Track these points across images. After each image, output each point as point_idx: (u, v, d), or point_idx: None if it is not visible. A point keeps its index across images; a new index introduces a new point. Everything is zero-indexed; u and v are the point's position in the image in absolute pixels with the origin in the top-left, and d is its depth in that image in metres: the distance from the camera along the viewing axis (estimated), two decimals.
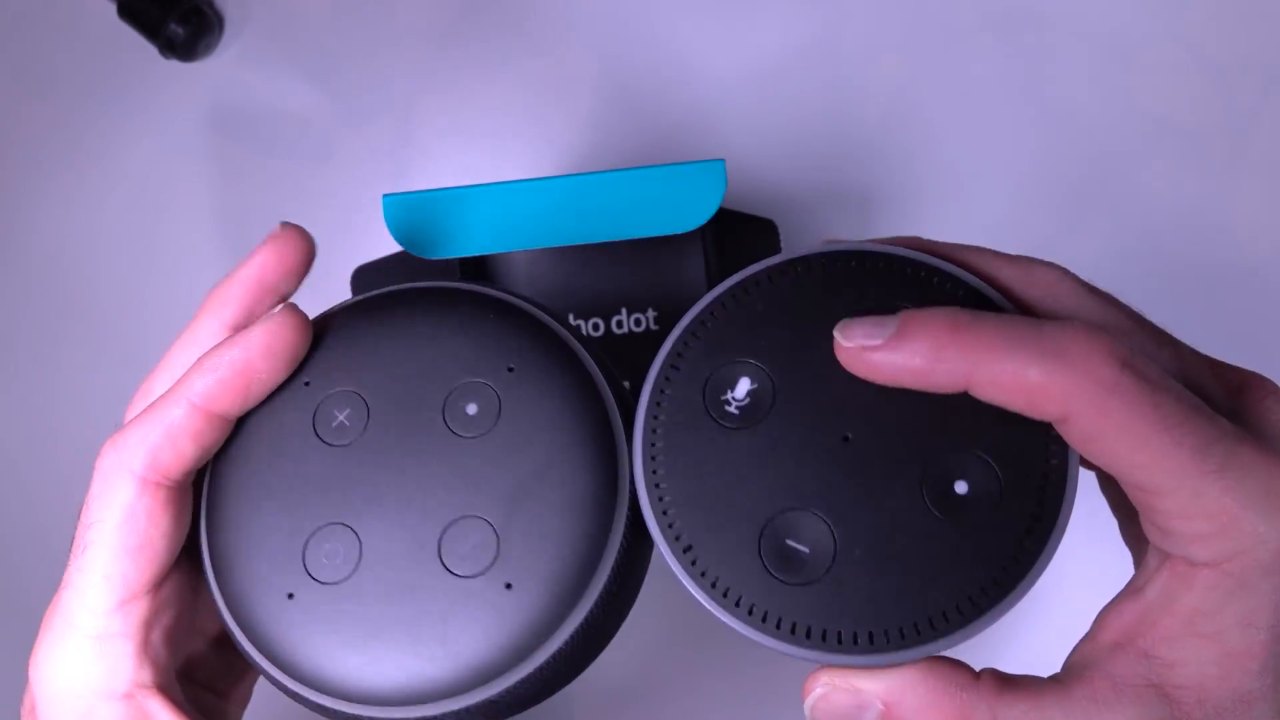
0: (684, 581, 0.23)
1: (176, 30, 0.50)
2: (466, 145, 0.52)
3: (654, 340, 0.40)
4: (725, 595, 0.23)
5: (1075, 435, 0.21)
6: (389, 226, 0.35)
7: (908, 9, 0.51)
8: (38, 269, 0.53)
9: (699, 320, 0.24)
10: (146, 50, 0.52)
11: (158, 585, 0.25)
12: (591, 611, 0.22)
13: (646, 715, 0.50)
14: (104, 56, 0.53)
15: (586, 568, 0.22)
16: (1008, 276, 0.24)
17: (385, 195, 0.35)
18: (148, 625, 0.25)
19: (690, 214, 0.36)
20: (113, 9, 0.51)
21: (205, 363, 0.24)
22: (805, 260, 0.24)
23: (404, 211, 0.35)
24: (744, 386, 0.23)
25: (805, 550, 0.22)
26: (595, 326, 0.40)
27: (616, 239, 0.35)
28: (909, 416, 0.22)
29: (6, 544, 0.52)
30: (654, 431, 0.23)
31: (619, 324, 0.40)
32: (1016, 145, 0.50)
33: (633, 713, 0.50)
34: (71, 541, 0.25)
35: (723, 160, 0.35)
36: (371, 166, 0.52)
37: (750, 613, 0.23)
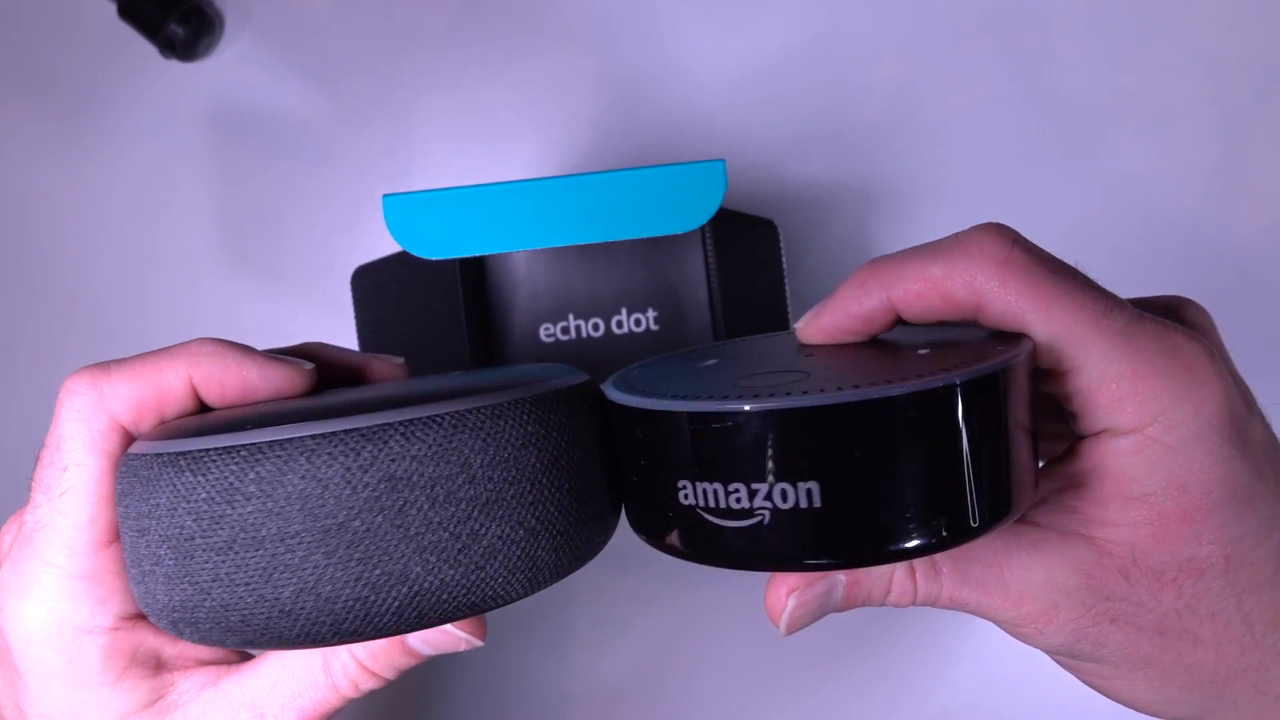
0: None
1: (176, 30, 0.50)
2: (466, 145, 0.52)
3: (654, 340, 0.40)
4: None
5: (992, 314, 0.23)
6: (389, 226, 0.35)
7: (907, 9, 0.51)
8: (38, 268, 0.53)
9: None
10: (146, 50, 0.52)
11: None
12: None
13: (646, 715, 0.50)
14: (104, 56, 0.53)
15: None
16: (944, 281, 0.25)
17: (385, 195, 0.35)
18: None
19: (690, 214, 0.36)
20: (113, 9, 0.51)
21: (221, 355, 0.25)
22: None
23: (404, 211, 0.35)
24: (710, 362, 0.25)
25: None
26: (595, 326, 0.40)
27: (616, 239, 0.35)
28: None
29: None
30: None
31: (619, 324, 0.40)
32: (1016, 145, 0.50)
33: (633, 712, 0.50)
34: (33, 478, 0.25)
35: (723, 160, 0.35)
36: (371, 166, 0.52)
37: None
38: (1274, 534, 0.23)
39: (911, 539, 0.20)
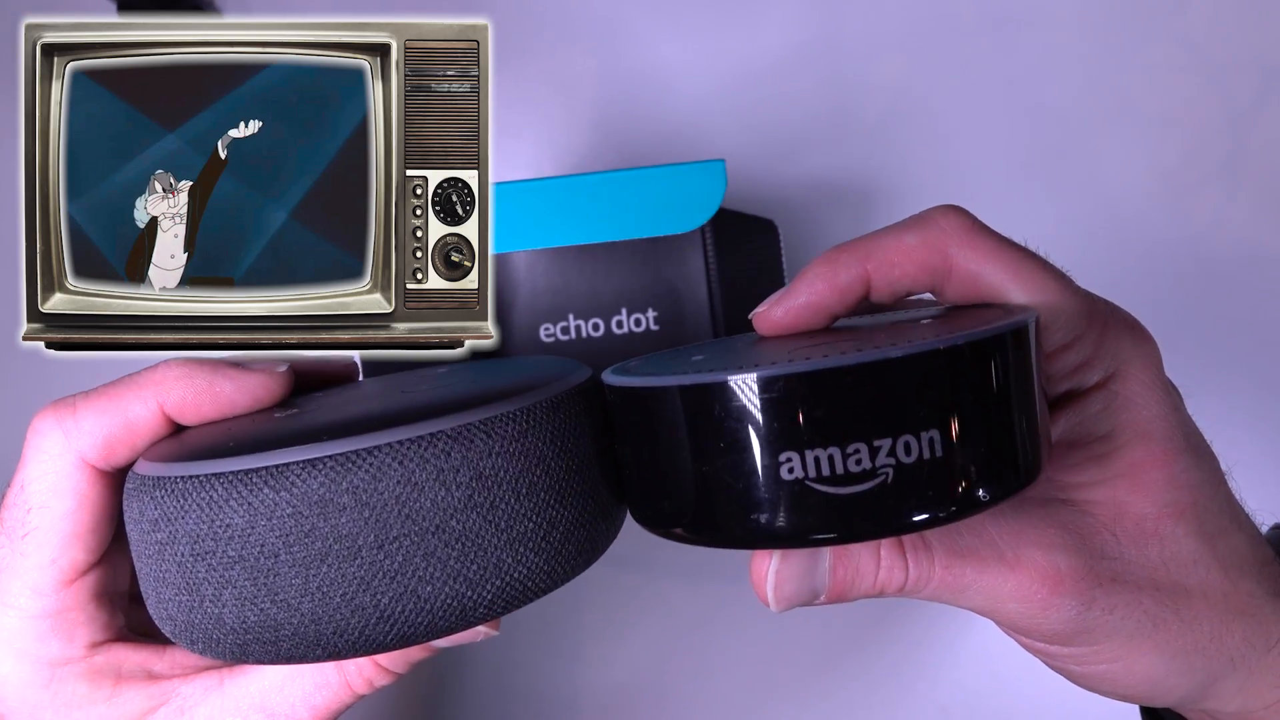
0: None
1: None
2: None
3: (654, 340, 0.40)
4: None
5: (964, 276, 0.24)
6: None
7: (907, 8, 0.51)
8: None
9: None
10: None
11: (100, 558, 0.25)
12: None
13: (651, 713, 0.50)
14: None
15: None
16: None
17: None
18: (93, 593, 0.25)
19: (690, 214, 0.36)
20: (112, 9, 0.51)
21: (190, 377, 0.24)
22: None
23: None
24: (699, 356, 0.24)
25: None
26: (595, 326, 0.40)
27: (616, 239, 0.35)
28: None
29: None
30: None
31: (619, 324, 0.40)
32: (1016, 145, 0.50)
33: (638, 710, 0.50)
34: None
35: (723, 160, 0.35)
36: None
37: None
38: (1221, 483, 0.24)
39: (1003, 482, 0.20)
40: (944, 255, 0.24)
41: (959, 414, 0.19)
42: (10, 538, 0.24)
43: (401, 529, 0.20)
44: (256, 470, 0.20)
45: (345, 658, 0.21)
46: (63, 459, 0.24)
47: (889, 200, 0.50)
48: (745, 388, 0.19)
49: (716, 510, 0.21)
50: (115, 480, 0.25)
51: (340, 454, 0.20)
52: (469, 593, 0.21)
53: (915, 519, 0.20)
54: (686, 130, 0.51)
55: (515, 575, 0.21)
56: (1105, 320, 0.24)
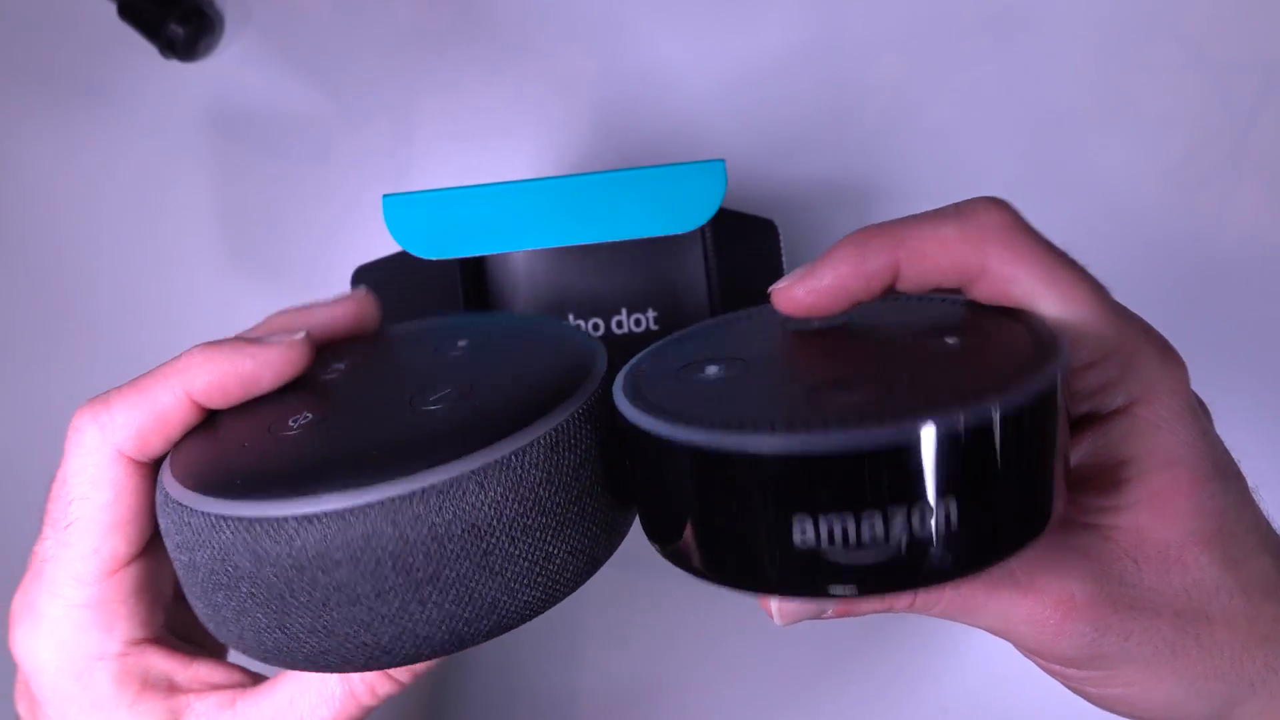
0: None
1: (176, 30, 0.50)
2: (466, 145, 0.52)
3: (654, 340, 0.40)
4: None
5: (996, 278, 0.22)
6: (389, 226, 0.35)
7: (907, 8, 0.51)
8: (37, 269, 0.53)
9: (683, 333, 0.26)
10: (146, 50, 0.52)
11: (142, 551, 0.25)
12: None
13: (651, 713, 0.50)
14: (104, 56, 0.53)
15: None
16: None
17: (385, 195, 0.35)
18: (135, 587, 0.26)
19: (690, 214, 0.36)
20: (113, 9, 0.51)
21: (212, 360, 0.25)
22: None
23: (404, 211, 0.35)
24: (713, 369, 0.23)
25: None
26: (595, 326, 0.40)
27: (616, 239, 0.35)
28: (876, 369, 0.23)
29: (7, 544, 0.52)
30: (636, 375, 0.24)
31: (619, 324, 0.40)
32: (1015, 145, 0.50)
33: (638, 711, 0.50)
34: (44, 514, 0.25)
35: (723, 160, 0.35)
36: (371, 166, 0.52)
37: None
38: (1248, 505, 0.24)
39: (1021, 535, 0.20)
40: (981, 253, 0.22)
41: (981, 481, 0.19)
42: (55, 529, 0.25)
43: (396, 580, 0.20)
44: (258, 520, 0.20)
45: (353, 672, 0.22)
46: (99, 452, 0.24)
47: (889, 200, 0.50)
48: (762, 456, 0.19)
49: (726, 559, 0.21)
50: (154, 470, 0.25)
51: (335, 511, 0.20)
52: (466, 629, 0.21)
53: (931, 576, 0.19)
54: (686, 130, 0.51)
55: (510, 610, 0.21)
56: (1136, 342, 0.23)
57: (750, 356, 0.23)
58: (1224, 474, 0.23)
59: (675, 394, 0.22)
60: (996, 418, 0.19)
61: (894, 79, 0.51)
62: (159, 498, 0.23)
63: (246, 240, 0.52)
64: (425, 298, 0.40)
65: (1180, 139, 0.50)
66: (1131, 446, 0.23)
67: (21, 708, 0.27)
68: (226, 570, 0.21)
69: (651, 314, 0.40)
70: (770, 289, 0.24)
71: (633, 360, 0.26)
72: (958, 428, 0.18)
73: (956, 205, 0.23)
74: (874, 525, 0.19)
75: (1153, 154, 0.50)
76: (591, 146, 0.51)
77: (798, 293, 0.23)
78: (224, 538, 0.21)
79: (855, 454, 0.18)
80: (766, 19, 0.51)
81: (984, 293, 0.23)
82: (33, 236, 0.53)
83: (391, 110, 0.52)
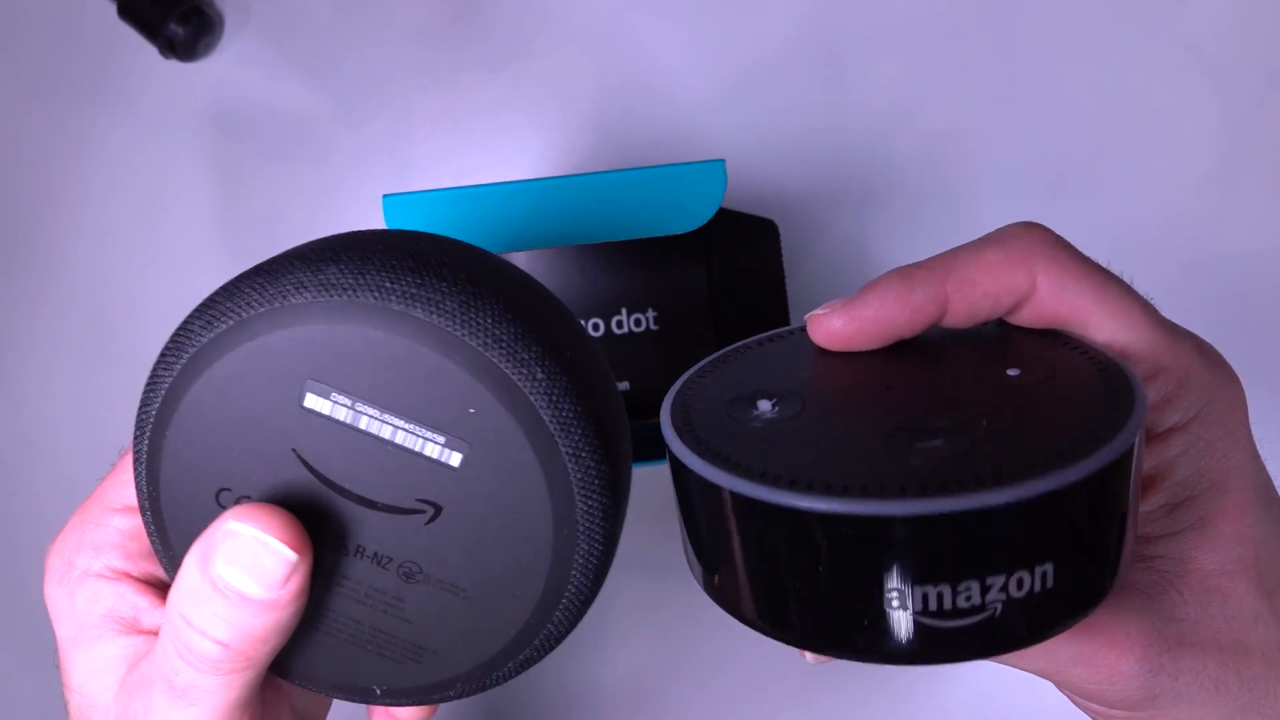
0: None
1: (176, 30, 0.50)
2: (466, 145, 0.52)
3: (654, 340, 0.40)
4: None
5: (1046, 299, 0.22)
6: (389, 226, 0.35)
7: (907, 9, 0.51)
8: (38, 268, 0.53)
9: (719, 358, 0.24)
10: (146, 50, 0.52)
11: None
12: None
13: (651, 714, 0.50)
14: (104, 56, 0.53)
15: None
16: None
17: (385, 195, 0.35)
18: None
19: (690, 214, 0.36)
20: (113, 9, 0.51)
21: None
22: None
23: (404, 211, 0.35)
24: (765, 405, 0.21)
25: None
26: (595, 326, 0.40)
27: (617, 239, 0.35)
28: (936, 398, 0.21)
29: (6, 544, 0.52)
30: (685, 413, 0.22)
31: (619, 324, 0.40)
32: (1015, 145, 0.50)
33: (638, 712, 0.50)
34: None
35: (723, 160, 0.35)
36: (371, 166, 0.52)
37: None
38: None
39: (1107, 584, 0.19)
40: (1030, 273, 0.21)
41: (1076, 542, 0.18)
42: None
43: None
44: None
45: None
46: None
47: (889, 201, 0.50)
48: (858, 521, 0.17)
49: (802, 621, 0.19)
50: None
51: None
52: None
53: (1012, 644, 0.18)
54: (686, 130, 0.51)
55: (512, 668, 0.23)
56: (1191, 360, 0.22)
57: (801, 389, 0.22)
58: (1267, 501, 0.22)
59: (733, 436, 0.20)
60: (1097, 473, 0.17)
61: (894, 79, 0.51)
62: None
63: (246, 239, 0.52)
64: None
65: (1180, 140, 0.50)
66: (1187, 467, 0.22)
67: None
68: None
69: (651, 314, 0.40)
70: (806, 316, 0.23)
71: (674, 391, 0.23)
72: (1055, 495, 0.17)
73: (994, 232, 0.22)
74: (970, 594, 0.18)
75: (1153, 155, 0.50)
76: (591, 146, 0.51)
77: (835, 324, 0.22)
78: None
79: (952, 518, 0.17)
80: (766, 20, 0.51)
81: (1030, 315, 0.22)
82: (32, 235, 0.53)
83: (391, 110, 0.52)
